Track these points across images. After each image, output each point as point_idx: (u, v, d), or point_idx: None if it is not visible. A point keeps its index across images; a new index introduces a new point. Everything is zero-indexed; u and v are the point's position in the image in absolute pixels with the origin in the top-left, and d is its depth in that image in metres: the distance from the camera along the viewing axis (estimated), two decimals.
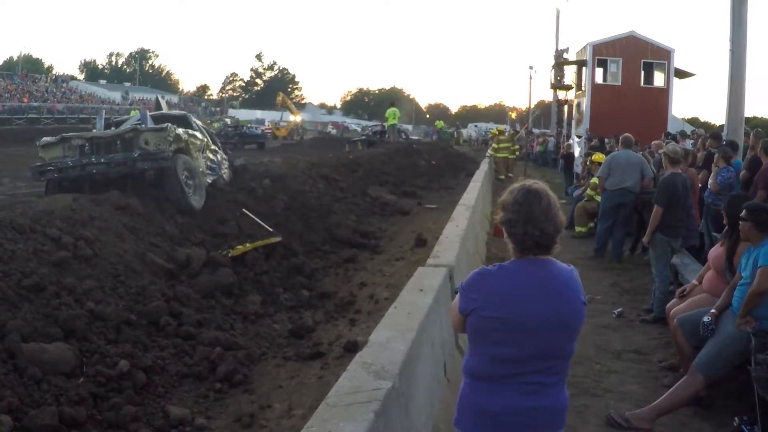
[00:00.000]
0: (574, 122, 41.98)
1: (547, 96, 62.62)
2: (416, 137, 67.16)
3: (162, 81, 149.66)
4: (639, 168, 13.73)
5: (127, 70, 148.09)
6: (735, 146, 13.53)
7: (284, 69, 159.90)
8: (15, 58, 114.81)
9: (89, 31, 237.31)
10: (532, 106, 67.98)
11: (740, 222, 6.68)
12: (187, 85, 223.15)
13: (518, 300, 3.41)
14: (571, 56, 44.71)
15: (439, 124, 75.31)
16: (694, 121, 71.34)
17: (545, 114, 68.85)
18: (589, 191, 17.03)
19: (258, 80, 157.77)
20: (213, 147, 16.68)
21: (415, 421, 4.89)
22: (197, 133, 15.64)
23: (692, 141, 20.24)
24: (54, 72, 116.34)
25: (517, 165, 35.33)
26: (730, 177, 11.54)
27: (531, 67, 39.39)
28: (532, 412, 3.49)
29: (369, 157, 30.77)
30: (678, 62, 37.48)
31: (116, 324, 8.62)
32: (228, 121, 68.12)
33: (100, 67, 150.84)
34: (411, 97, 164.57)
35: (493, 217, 17.41)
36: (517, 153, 35.28)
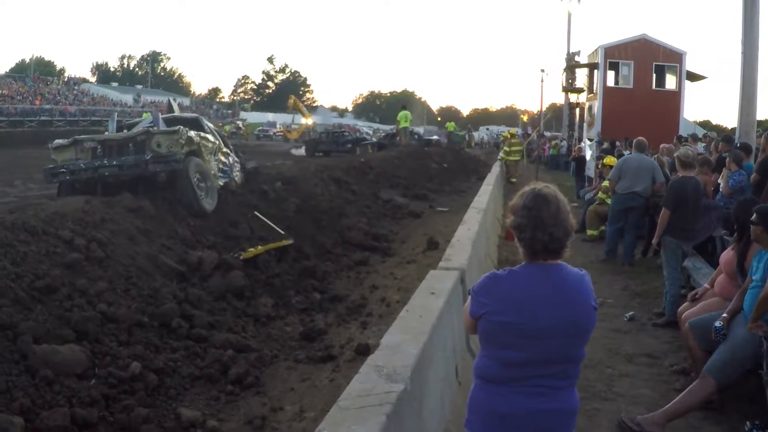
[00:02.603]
0: (585, 125, 41.85)
1: (559, 99, 62.56)
2: (435, 137, 66.32)
3: (174, 83, 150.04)
4: (650, 172, 13.68)
5: (139, 73, 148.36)
6: (748, 149, 13.47)
7: (296, 72, 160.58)
8: (27, 60, 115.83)
9: (101, 34, 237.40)
10: (544, 109, 68.05)
11: (751, 226, 6.68)
12: (199, 87, 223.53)
13: (528, 305, 3.41)
14: (582, 59, 44.63)
15: (450, 126, 74.36)
16: (705, 124, 71.26)
17: (557, 117, 68.65)
18: (600, 194, 17.00)
19: (270, 83, 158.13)
20: (225, 150, 16.70)
21: (426, 424, 4.89)
22: (209, 136, 15.67)
23: (704, 144, 20.19)
24: (66, 74, 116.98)
25: (529, 168, 35.32)
26: (741, 180, 11.49)
27: (543, 70, 39.48)
28: (542, 414, 3.49)
29: (380, 160, 30.78)
30: (690, 65, 37.29)
31: (128, 326, 8.65)
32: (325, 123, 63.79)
33: (112, 69, 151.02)
34: (422, 100, 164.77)
35: (504, 221, 17.45)
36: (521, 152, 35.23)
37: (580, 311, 3.48)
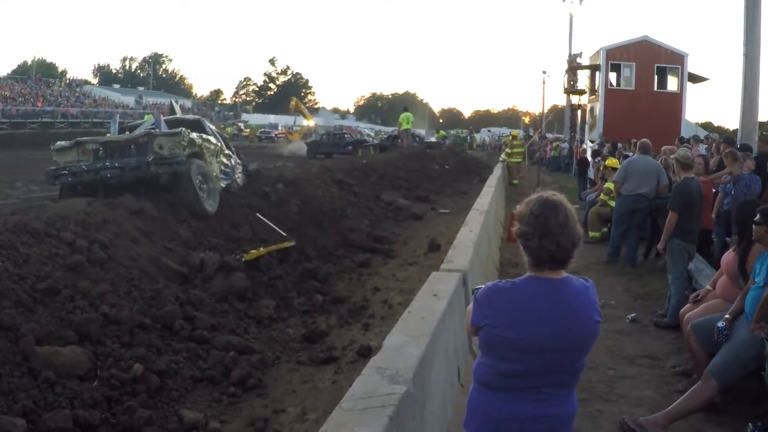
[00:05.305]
0: (587, 127, 41.97)
1: (561, 100, 62.48)
2: (434, 138, 65.81)
3: (175, 85, 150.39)
4: (656, 174, 13.64)
5: (141, 75, 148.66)
6: (749, 149, 13.48)
7: (298, 74, 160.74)
8: (29, 62, 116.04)
9: (103, 36, 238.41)
10: (546, 110, 67.98)
11: (754, 226, 6.66)
12: (201, 89, 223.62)
13: (530, 321, 3.35)
14: (584, 61, 44.75)
15: (440, 134, 73.33)
16: (707, 126, 71.35)
17: (558, 119, 68.59)
18: (602, 196, 16.99)
19: (271, 85, 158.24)
20: (227, 151, 16.69)
21: (428, 426, 4.89)
22: (211, 138, 15.65)
23: (706, 146, 20.18)
24: (68, 76, 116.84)
25: (531, 170, 35.31)
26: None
27: (544, 72, 39.48)
28: (539, 419, 3.47)
29: (382, 162, 30.77)
30: (691, 67, 37.45)
31: (130, 328, 8.64)
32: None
33: (113, 71, 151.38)
34: (424, 101, 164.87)
35: (506, 223, 17.44)
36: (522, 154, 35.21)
37: (582, 327, 3.43)
